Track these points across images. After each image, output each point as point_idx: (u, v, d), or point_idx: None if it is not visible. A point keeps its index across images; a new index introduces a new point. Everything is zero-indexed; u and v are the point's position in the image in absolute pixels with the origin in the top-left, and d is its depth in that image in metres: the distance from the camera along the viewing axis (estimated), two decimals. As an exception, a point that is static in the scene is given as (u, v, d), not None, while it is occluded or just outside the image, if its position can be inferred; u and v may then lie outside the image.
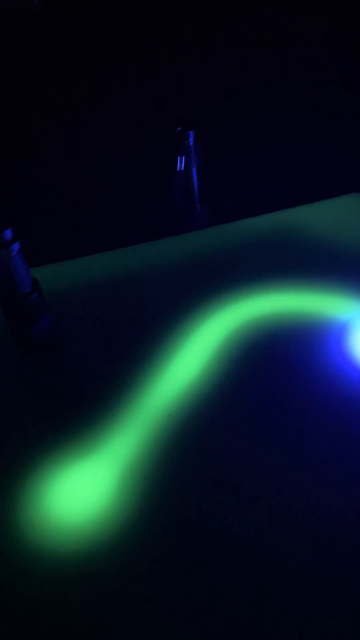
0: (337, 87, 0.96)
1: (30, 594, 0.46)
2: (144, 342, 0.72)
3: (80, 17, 0.81)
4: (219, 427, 0.59)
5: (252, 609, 0.43)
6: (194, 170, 0.68)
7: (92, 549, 0.48)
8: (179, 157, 0.68)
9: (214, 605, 0.44)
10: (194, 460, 0.55)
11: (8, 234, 0.59)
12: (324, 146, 0.98)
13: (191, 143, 0.67)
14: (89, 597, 0.45)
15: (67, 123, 0.89)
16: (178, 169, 0.69)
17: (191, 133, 0.67)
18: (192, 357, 0.69)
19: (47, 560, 0.48)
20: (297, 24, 0.89)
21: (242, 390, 0.63)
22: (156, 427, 0.60)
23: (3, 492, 0.54)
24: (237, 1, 0.86)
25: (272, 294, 0.80)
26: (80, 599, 0.45)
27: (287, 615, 0.43)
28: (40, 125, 0.89)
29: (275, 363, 0.66)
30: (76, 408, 0.63)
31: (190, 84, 0.91)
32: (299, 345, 0.69)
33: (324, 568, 0.46)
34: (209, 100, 0.91)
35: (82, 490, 0.54)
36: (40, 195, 0.93)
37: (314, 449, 0.56)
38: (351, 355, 0.67)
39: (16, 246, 0.59)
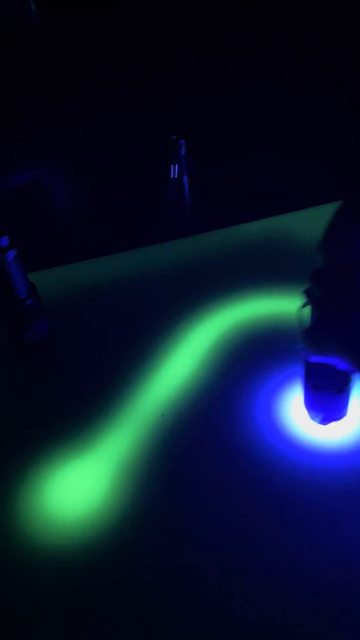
0: (332, 91, 0.97)
1: (27, 585, 0.48)
2: (139, 345, 0.74)
3: (72, 18, 0.81)
4: (210, 427, 0.62)
5: (243, 606, 0.46)
6: (185, 178, 0.70)
7: (86, 543, 0.51)
8: (172, 165, 0.70)
9: (203, 601, 0.46)
10: (186, 459, 0.58)
11: (3, 241, 0.60)
12: (314, 154, 0.99)
13: (183, 152, 0.68)
14: (82, 590, 0.48)
15: (65, 124, 0.89)
16: (171, 176, 0.71)
17: (183, 142, 0.68)
18: (185, 359, 0.72)
19: (44, 554, 0.51)
20: (293, 25, 0.90)
21: (233, 390, 0.66)
22: (150, 427, 0.62)
23: (2, 490, 0.56)
24: (232, 1, 0.87)
25: (262, 298, 0.83)
26: (74, 591, 0.48)
27: (280, 612, 0.45)
28: (39, 129, 0.89)
29: (264, 364, 0.68)
30: (72, 409, 0.65)
31: (184, 87, 0.91)
32: (287, 348, 0.71)
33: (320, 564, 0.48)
34: (202, 105, 0.92)
35: (78, 488, 0.57)
36: (43, 200, 0.93)
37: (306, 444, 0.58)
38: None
39: (11, 254, 0.61)
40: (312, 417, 0.55)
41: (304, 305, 0.41)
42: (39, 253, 0.84)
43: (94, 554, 0.50)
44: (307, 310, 0.42)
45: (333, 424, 0.55)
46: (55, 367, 0.72)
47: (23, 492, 0.56)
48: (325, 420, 0.55)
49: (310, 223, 0.95)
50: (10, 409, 0.67)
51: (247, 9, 0.88)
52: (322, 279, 0.40)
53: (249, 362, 0.69)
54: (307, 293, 0.41)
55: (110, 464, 0.59)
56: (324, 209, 0.97)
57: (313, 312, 0.41)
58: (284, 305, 0.80)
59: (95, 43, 0.85)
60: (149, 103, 0.91)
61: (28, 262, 0.65)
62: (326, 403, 0.53)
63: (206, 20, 0.88)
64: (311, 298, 0.41)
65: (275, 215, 0.95)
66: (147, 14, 0.85)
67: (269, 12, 0.88)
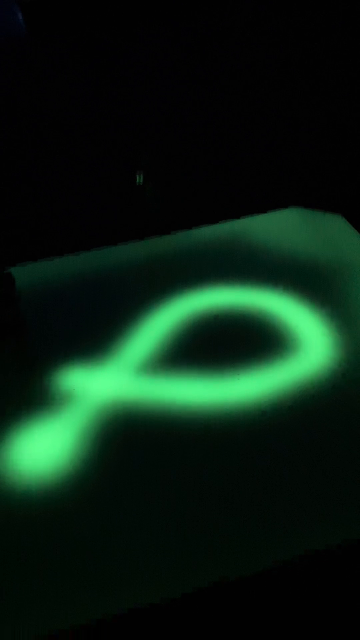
0: (290, 101, 1.05)
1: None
2: (102, 330, 0.84)
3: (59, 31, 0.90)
4: (164, 398, 0.71)
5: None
6: (146, 183, 0.80)
7: (51, 494, 0.60)
8: (137, 174, 0.80)
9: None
10: (138, 425, 0.67)
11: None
12: (266, 161, 1.07)
13: (146, 161, 0.78)
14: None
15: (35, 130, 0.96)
16: (137, 183, 0.81)
17: (147, 149, 0.77)
18: (142, 343, 0.82)
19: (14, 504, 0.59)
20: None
21: (185, 371, 0.76)
22: (108, 399, 0.72)
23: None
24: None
25: (213, 293, 0.93)
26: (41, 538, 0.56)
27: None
28: (20, 131, 0.96)
29: (214, 348, 0.79)
30: (40, 382, 0.74)
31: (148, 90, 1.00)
32: (235, 335, 0.82)
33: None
34: (161, 111, 1.00)
35: (44, 448, 0.66)
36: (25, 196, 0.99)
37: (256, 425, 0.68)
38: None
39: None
40: None
41: None
42: (22, 247, 0.92)
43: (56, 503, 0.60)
44: None
45: None
46: (27, 348, 0.80)
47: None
48: None
49: (262, 227, 1.06)
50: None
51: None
52: None
53: (202, 347, 0.79)
54: None
55: (72, 429, 0.68)
56: (275, 215, 1.08)
57: None
58: (233, 298, 0.91)
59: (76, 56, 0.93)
60: (111, 112, 0.97)
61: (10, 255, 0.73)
62: None
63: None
64: None
65: (229, 219, 1.04)
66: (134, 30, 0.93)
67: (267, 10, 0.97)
